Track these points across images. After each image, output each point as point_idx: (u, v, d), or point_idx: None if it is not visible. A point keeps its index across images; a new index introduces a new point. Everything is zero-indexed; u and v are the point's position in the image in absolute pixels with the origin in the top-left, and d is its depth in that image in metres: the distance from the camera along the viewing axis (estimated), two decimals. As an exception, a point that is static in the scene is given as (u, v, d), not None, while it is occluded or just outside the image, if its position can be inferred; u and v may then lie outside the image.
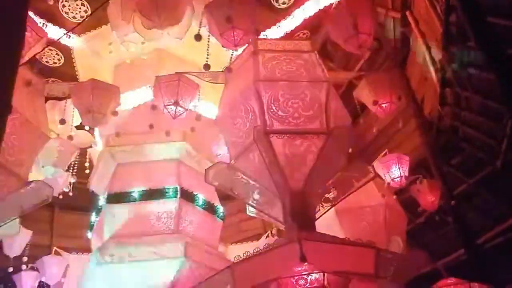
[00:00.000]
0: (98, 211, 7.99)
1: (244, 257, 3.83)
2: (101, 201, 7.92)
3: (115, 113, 6.74)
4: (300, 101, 4.27)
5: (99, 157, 8.42)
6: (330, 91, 4.35)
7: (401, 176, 7.98)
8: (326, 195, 4.59)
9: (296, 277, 3.11)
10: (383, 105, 7.20)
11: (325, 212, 4.87)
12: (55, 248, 9.06)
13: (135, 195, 7.58)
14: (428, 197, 8.70)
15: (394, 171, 8.01)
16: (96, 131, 8.73)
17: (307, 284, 3.08)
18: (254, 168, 4.31)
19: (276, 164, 4.13)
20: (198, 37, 5.64)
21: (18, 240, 8.45)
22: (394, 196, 8.45)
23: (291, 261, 3.40)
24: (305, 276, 3.10)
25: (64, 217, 10.87)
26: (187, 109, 6.42)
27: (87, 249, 8.51)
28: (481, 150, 9.86)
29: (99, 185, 8.39)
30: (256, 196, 4.58)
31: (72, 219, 10.62)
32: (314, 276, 3.10)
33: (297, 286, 3.10)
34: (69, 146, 7.82)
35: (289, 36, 8.29)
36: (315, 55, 4.61)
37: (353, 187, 4.65)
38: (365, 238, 6.98)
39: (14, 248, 8.61)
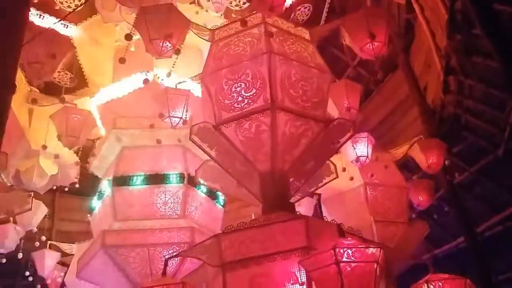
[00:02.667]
0: (101, 194, 7.97)
1: (236, 227, 3.76)
2: (105, 184, 7.90)
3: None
4: (309, 86, 4.18)
5: (103, 139, 8.37)
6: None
7: (366, 156, 7.89)
8: (303, 167, 4.45)
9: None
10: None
11: (299, 199, 4.75)
12: (49, 242, 9.09)
13: (142, 179, 7.58)
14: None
15: (362, 149, 7.85)
16: (96, 114, 8.69)
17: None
18: (244, 138, 4.23)
19: (274, 140, 4.07)
20: (128, 37, 5.60)
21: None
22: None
23: (298, 236, 3.42)
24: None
25: (65, 201, 10.89)
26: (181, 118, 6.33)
27: (87, 233, 8.55)
28: (483, 139, 9.84)
29: (100, 167, 8.37)
30: (237, 166, 4.42)
31: (73, 203, 10.64)
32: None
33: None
34: (92, 119, 7.62)
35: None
36: (315, 44, 4.48)
37: (331, 151, 4.52)
38: (389, 217, 7.12)
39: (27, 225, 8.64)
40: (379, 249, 3.26)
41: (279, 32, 4.28)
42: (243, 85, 4.12)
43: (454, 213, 10.21)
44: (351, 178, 7.39)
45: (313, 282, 3.33)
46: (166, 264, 3.45)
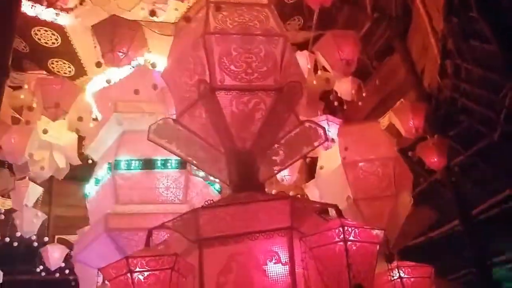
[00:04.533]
0: (99, 178, 7.94)
1: (216, 203, 3.72)
2: (104, 168, 7.86)
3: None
4: (254, 56, 4.04)
5: (101, 122, 8.31)
6: (286, 47, 4.12)
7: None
8: (274, 157, 4.36)
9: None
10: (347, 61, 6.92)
11: (274, 175, 4.64)
12: (57, 236, 9.15)
13: (143, 163, 7.56)
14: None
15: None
16: (91, 97, 8.65)
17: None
18: (200, 125, 4.04)
19: (222, 122, 3.93)
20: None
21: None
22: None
23: (281, 215, 3.41)
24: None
25: (61, 187, 10.90)
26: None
27: (85, 218, 8.56)
28: (479, 122, 9.86)
29: (97, 150, 8.32)
30: (200, 154, 4.29)
31: (69, 188, 10.64)
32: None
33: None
34: (71, 86, 7.55)
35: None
36: (271, 8, 4.32)
37: (301, 152, 4.39)
38: (373, 193, 6.73)
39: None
40: (382, 231, 3.33)
41: (226, 7, 4.11)
42: (254, 59, 4.01)
43: (449, 196, 10.29)
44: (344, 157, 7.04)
45: (301, 261, 3.33)
46: (149, 235, 3.40)
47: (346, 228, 3.10)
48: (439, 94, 10.24)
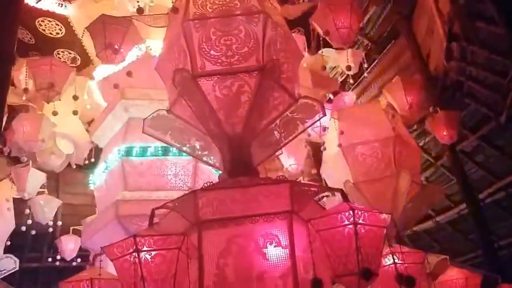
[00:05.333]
0: (107, 165, 7.97)
1: (215, 185, 3.65)
2: (112, 154, 7.89)
3: (75, 97, 7.19)
4: (234, 38, 3.95)
5: (107, 109, 8.32)
6: (267, 24, 4.02)
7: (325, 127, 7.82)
8: (268, 139, 4.27)
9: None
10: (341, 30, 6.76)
11: (269, 157, 4.56)
12: (72, 228, 9.23)
13: (152, 150, 7.57)
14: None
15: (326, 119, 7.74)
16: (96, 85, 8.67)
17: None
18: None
19: (208, 109, 3.84)
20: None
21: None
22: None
23: (281, 199, 3.39)
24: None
25: (69, 175, 10.97)
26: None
27: (92, 206, 8.63)
28: (485, 106, 9.78)
29: (103, 137, 8.35)
30: (194, 143, 4.25)
31: (76, 176, 10.71)
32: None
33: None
34: (62, 66, 7.45)
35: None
36: None
37: (297, 129, 4.30)
38: (372, 175, 6.64)
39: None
40: (389, 215, 3.34)
41: None
42: (234, 40, 3.89)
43: (456, 180, 10.25)
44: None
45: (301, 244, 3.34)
46: (152, 215, 3.34)
47: (356, 211, 3.10)
48: (445, 77, 10.15)
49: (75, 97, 7.33)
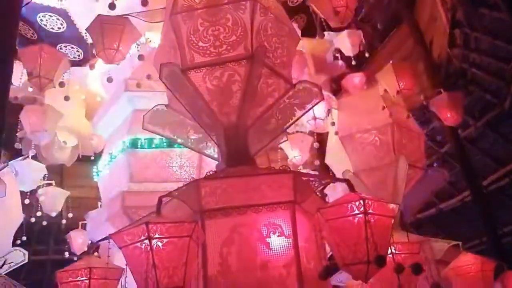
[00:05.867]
0: (111, 157, 7.98)
1: (218, 174, 3.66)
2: (117, 146, 7.90)
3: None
4: (221, 27, 3.89)
5: (111, 101, 8.33)
6: (256, 10, 3.95)
7: (322, 119, 7.74)
8: (265, 127, 4.22)
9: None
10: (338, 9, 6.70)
11: (267, 145, 4.51)
12: (81, 222, 9.28)
13: (157, 142, 7.58)
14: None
15: (320, 110, 7.57)
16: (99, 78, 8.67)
17: None
18: (215, 88, 3.84)
19: (201, 101, 3.80)
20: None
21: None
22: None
23: (284, 189, 3.40)
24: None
25: (73, 168, 10.99)
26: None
27: (96, 198, 8.66)
28: (489, 92, 9.74)
29: (106, 129, 8.38)
30: (193, 135, 4.24)
31: (81, 169, 10.74)
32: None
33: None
34: (52, 53, 7.18)
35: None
36: None
37: (295, 115, 4.24)
38: (372, 163, 6.64)
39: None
40: (397, 205, 3.37)
41: None
42: (221, 30, 3.77)
43: (459, 167, 10.23)
44: (383, 108, 6.83)
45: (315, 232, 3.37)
46: (160, 203, 3.26)
47: (366, 201, 3.12)
48: (448, 64, 10.10)
49: (67, 98, 7.30)
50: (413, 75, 7.30)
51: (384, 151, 6.67)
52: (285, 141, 7.14)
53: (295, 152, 9.06)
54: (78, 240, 8.99)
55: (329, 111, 7.60)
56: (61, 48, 9.25)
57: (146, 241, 2.90)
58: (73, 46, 8.83)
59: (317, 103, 4.13)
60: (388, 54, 11.68)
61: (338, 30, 8.11)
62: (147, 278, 2.86)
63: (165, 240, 2.93)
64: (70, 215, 9.18)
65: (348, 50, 8.22)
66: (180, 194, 3.40)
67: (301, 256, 3.34)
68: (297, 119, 4.19)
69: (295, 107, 4.09)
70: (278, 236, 3.33)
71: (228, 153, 3.86)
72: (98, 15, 6.52)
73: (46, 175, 8.85)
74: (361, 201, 3.10)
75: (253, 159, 3.92)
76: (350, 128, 7.04)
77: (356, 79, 8.34)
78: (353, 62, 8.34)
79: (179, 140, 4.42)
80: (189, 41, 3.82)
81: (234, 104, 3.79)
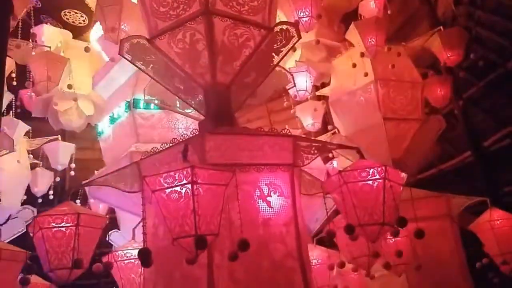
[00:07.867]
0: (114, 117, 7.94)
1: (223, 131, 3.66)
2: (120, 107, 7.83)
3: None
4: None
5: (108, 64, 8.20)
6: None
7: (305, 90, 7.87)
8: (245, 80, 4.01)
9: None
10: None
11: (247, 98, 4.22)
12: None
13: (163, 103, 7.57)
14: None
15: (301, 82, 7.86)
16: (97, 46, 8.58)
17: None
18: (180, 50, 3.70)
19: (212, 49, 3.64)
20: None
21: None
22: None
23: (285, 152, 3.52)
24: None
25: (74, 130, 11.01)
26: None
27: (100, 160, 8.69)
28: (493, 52, 9.60)
29: (107, 89, 8.25)
30: (177, 83, 4.04)
31: (82, 131, 10.71)
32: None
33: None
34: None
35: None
36: None
37: (273, 62, 4.13)
38: (400, 113, 6.60)
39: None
40: (406, 175, 3.75)
41: None
42: None
43: (461, 128, 10.20)
44: (366, 74, 6.70)
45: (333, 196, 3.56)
46: (186, 149, 3.10)
47: (387, 167, 3.41)
48: (453, 23, 9.91)
49: (87, 49, 7.68)
50: (379, 30, 7.10)
51: (371, 110, 6.61)
52: (293, 87, 7.14)
53: (309, 119, 9.16)
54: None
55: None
56: (65, 14, 9.15)
57: (189, 185, 2.79)
58: (77, 11, 8.70)
59: (295, 43, 3.97)
60: (393, 13, 11.46)
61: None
62: (184, 224, 2.77)
63: (205, 187, 2.85)
64: (72, 173, 9.27)
65: (371, 14, 7.95)
66: (187, 142, 3.35)
67: (298, 217, 3.50)
68: (275, 66, 4.07)
69: (272, 53, 3.94)
70: (278, 196, 3.44)
71: (207, 113, 3.85)
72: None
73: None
74: (383, 167, 3.39)
75: (233, 116, 3.90)
76: (337, 92, 7.05)
77: (372, 2, 8.06)
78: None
79: (159, 82, 4.22)
80: (151, 8, 3.72)
81: (204, 63, 3.69)
